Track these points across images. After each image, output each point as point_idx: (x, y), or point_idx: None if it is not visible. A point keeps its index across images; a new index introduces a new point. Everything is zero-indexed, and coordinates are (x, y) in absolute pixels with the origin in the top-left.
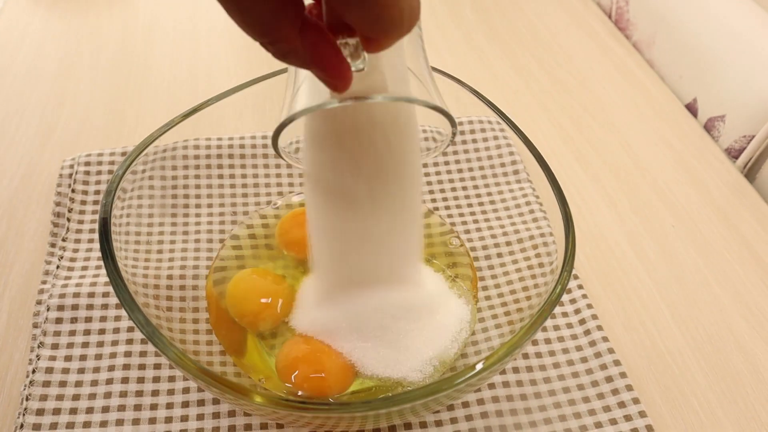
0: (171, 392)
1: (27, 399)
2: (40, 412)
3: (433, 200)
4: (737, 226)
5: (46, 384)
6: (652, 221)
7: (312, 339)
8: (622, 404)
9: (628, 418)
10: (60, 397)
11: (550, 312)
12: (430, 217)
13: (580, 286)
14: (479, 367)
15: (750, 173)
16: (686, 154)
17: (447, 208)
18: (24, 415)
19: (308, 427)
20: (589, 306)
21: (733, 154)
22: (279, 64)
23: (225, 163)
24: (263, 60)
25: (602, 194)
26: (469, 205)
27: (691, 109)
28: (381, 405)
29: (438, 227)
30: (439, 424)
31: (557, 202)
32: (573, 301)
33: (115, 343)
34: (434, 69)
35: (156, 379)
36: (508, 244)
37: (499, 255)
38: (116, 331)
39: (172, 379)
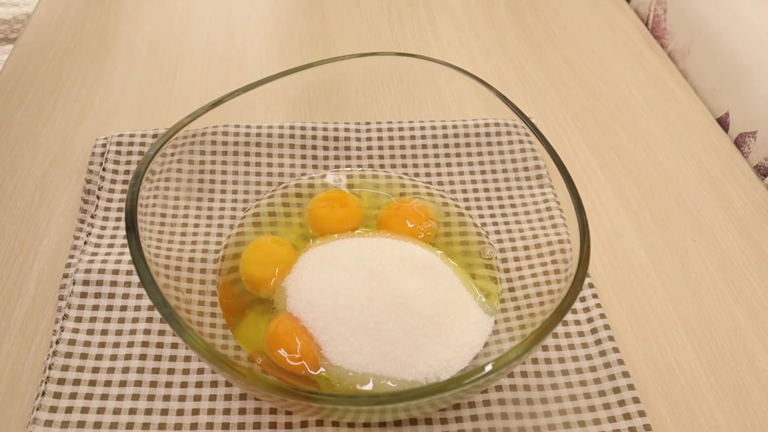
0: (186, 372)
1: (49, 368)
2: (61, 381)
3: (455, 200)
4: (760, 245)
5: (68, 355)
6: (673, 234)
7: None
8: (627, 416)
9: (632, 430)
10: (80, 369)
11: (561, 318)
12: (460, 216)
13: (594, 295)
14: (488, 368)
15: None
16: (713, 168)
17: (468, 208)
18: (46, 383)
19: (315, 416)
20: (602, 315)
21: (762, 171)
22: (311, 57)
23: (252, 151)
24: (295, 50)
25: (624, 203)
26: (490, 207)
27: (723, 123)
28: (388, 400)
29: (475, 236)
30: (444, 422)
31: (574, 209)
32: (586, 309)
33: (135, 320)
34: (462, 71)
35: (172, 358)
36: (526, 248)
37: (516, 259)
38: (137, 309)
39: (187, 359)
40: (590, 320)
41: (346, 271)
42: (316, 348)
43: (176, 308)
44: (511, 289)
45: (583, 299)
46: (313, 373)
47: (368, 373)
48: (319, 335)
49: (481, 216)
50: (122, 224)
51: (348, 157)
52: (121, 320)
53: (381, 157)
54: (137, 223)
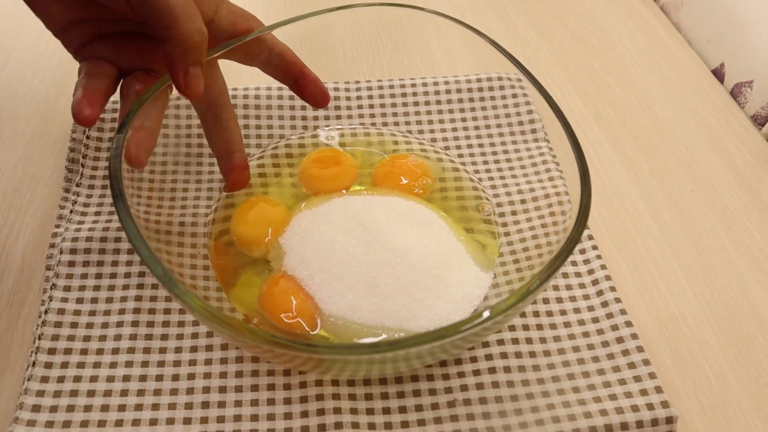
0: (180, 337)
1: (39, 338)
2: (51, 351)
3: (449, 156)
4: (759, 193)
5: (58, 324)
6: (671, 185)
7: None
8: (632, 365)
9: (637, 378)
10: (71, 338)
11: (562, 264)
12: (455, 171)
13: (594, 247)
14: (486, 314)
15: None
16: (710, 119)
17: (463, 164)
18: (36, 353)
19: (315, 371)
20: (603, 267)
21: (759, 121)
22: (297, 11)
23: (240, 113)
24: (280, 9)
25: (621, 156)
26: (485, 162)
27: (718, 74)
28: (387, 348)
29: (471, 191)
30: (446, 377)
31: (573, 154)
32: (587, 261)
33: (126, 287)
34: (454, 19)
35: (165, 324)
36: (523, 202)
37: (514, 213)
38: (127, 276)
39: (181, 324)
40: (591, 272)
41: (340, 228)
42: (312, 306)
43: (170, 272)
44: (510, 243)
45: (583, 251)
46: (310, 332)
47: (367, 328)
48: (315, 293)
49: (477, 171)
50: (108, 192)
51: (338, 117)
52: (111, 288)
53: (372, 115)
54: (122, 184)
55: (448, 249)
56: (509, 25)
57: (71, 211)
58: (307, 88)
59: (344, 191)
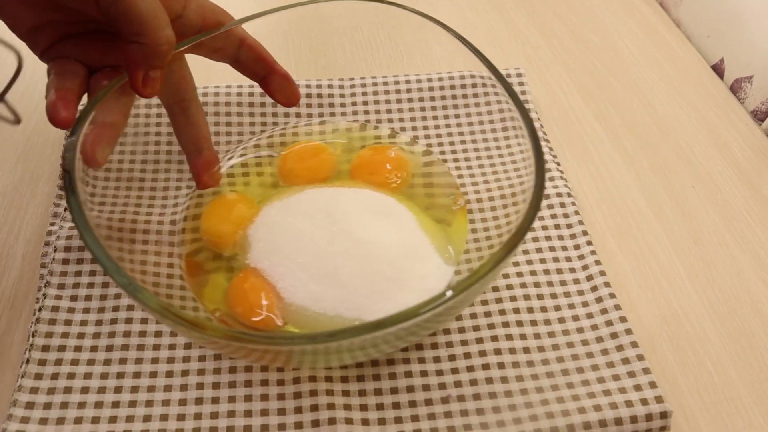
0: (175, 334)
1: (33, 335)
2: (45, 348)
3: (442, 152)
4: (760, 189)
5: (52, 322)
6: (672, 181)
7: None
8: (626, 360)
9: (631, 374)
10: (65, 335)
11: (521, 239)
12: (436, 166)
13: (589, 242)
14: (449, 294)
15: None
16: (710, 115)
17: (445, 161)
18: (30, 350)
19: (275, 363)
20: (598, 262)
21: (760, 116)
22: (273, 4)
23: (222, 111)
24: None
25: (621, 153)
26: (467, 159)
27: (718, 69)
28: (343, 335)
29: (447, 187)
30: (440, 373)
31: (529, 139)
32: (582, 257)
33: None
34: (444, 26)
35: (159, 322)
36: (513, 195)
37: (493, 209)
38: None
39: None
40: (585, 267)
41: (306, 218)
42: (275, 297)
43: (125, 270)
44: (476, 240)
45: (577, 247)
46: (279, 325)
47: (328, 318)
48: (277, 281)
49: (458, 168)
50: (106, 191)
51: (321, 114)
52: (105, 285)
53: (354, 113)
54: (75, 173)
55: (414, 241)
56: (509, 23)
57: (66, 209)
58: (274, 82)
59: (320, 183)
